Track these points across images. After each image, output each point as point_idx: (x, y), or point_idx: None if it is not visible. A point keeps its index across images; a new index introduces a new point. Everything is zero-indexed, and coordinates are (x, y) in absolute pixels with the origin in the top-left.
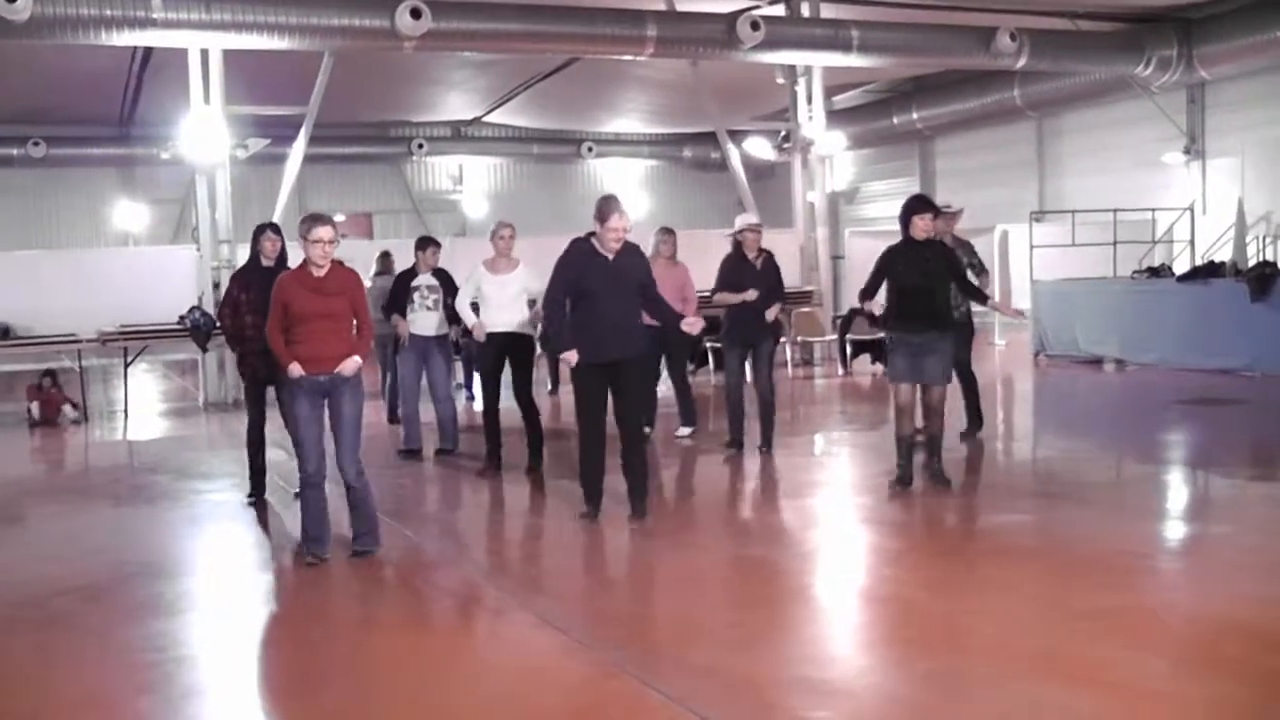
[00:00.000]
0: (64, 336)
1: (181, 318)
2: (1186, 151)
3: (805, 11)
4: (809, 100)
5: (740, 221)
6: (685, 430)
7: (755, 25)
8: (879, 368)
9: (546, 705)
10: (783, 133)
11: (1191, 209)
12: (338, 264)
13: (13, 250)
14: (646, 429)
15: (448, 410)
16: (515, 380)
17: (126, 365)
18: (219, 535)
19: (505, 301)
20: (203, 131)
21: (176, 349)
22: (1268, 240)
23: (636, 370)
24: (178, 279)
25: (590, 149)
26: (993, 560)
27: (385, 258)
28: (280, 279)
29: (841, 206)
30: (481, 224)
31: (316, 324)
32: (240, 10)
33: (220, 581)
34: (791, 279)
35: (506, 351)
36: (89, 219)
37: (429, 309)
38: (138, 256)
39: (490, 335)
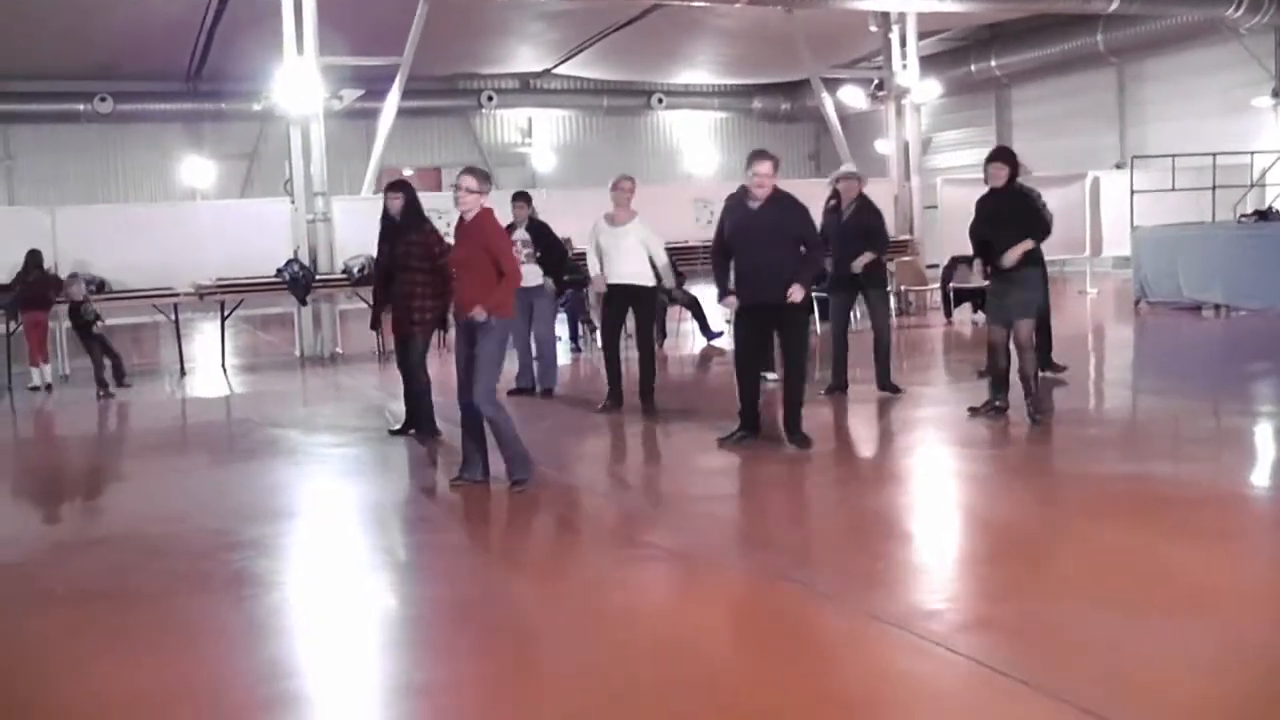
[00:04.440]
0: (160, 290)
1: (279, 270)
2: (1276, 94)
3: None
4: (903, 46)
5: (837, 172)
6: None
7: None
8: (980, 317)
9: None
10: (876, 81)
11: None
12: (485, 211)
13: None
14: None
15: (549, 354)
16: (638, 328)
17: (223, 319)
18: (350, 480)
19: (623, 253)
20: (297, 83)
21: (270, 303)
22: None
23: (792, 315)
24: (269, 233)
25: (660, 100)
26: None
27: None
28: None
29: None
30: (550, 177)
31: (458, 271)
32: None
33: (358, 518)
34: (888, 228)
35: (628, 302)
36: (155, 175)
37: (522, 262)
38: (229, 210)
39: (611, 287)
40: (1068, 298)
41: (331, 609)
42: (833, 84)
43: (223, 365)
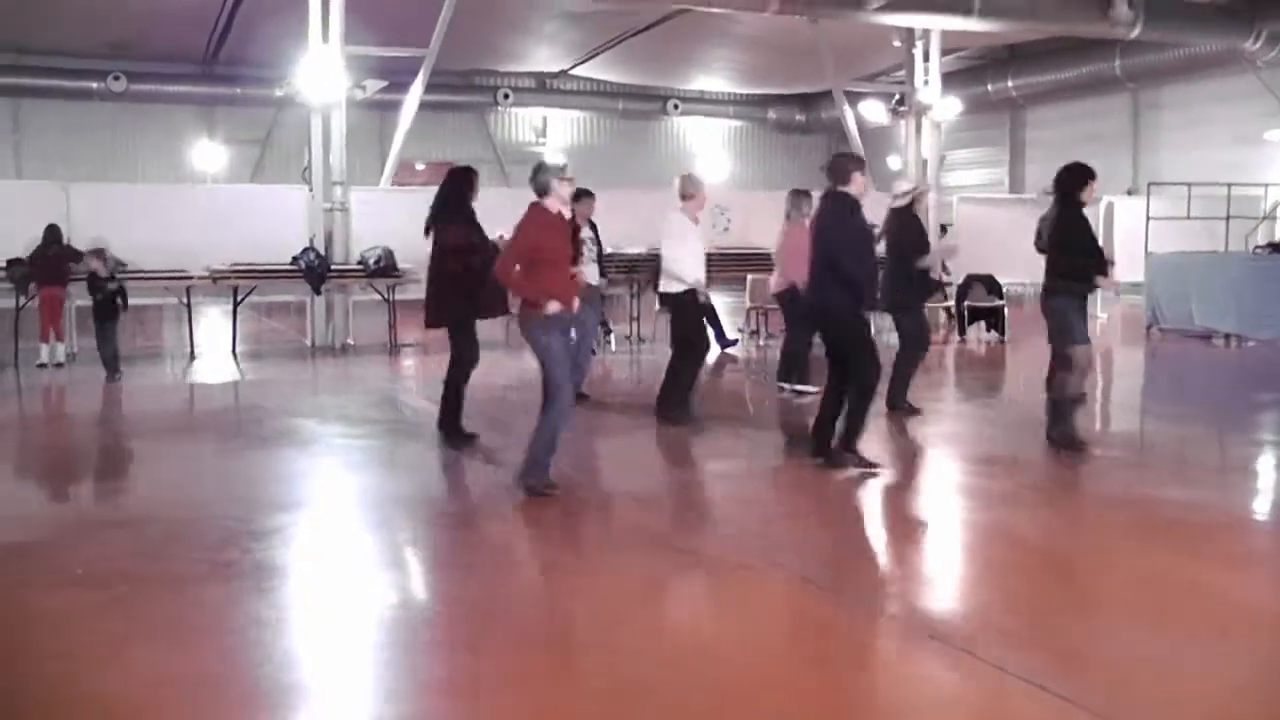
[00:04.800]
0: (175, 272)
1: (295, 258)
2: None
3: None
4: (925, 62)
5: (912, 184)
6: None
7: None
8: (993, 335)
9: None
10: (897, 96)
11: None
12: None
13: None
14: None
15: (585, 355)
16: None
17: (236, 304)
18: (368, 473)
19: (699, 257)
20: (320, 71)
21: (282, 290)
22: None
23: None
24: (285, 220)
25: (675, 106)
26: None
27: None
28: (535, 222)
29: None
30: None
31: (553, 264)
32: None
33: (379, 512)
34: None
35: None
36: (166, 156)
37: (592, 260)
38: (246, 195)
39: (694, 291)
40: None
41: (352, 603)
42: (852, 97)
43: (233, 351)
